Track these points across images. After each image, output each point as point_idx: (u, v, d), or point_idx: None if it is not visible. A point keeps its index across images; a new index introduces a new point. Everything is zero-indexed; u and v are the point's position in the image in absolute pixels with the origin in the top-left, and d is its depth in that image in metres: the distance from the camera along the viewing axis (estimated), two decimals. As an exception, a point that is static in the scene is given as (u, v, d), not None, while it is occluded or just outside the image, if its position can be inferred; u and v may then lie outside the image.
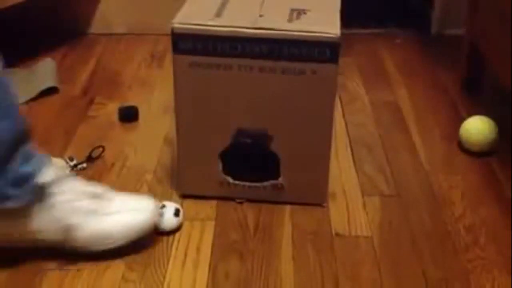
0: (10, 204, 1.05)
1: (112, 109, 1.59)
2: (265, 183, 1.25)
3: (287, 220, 1.22)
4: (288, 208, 1.25)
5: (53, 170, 1.08)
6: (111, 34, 2.02)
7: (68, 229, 1.07)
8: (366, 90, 1.71)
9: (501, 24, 1.43)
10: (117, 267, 1.10)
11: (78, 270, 1.09)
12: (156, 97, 1.65)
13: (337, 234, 1.18)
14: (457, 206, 1.26)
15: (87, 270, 1.09)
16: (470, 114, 1.47)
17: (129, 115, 1.55)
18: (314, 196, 1.25)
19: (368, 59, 1.89)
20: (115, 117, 1.56)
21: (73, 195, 1.08)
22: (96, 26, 2.04)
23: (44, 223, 1.07)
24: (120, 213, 1.10)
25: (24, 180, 1.05)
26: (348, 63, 1.82)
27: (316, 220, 1.22)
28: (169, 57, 1.71)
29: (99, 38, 2.00)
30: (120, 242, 1.10)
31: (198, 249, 1.14)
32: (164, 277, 1.08)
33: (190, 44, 1.14)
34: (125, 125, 1.54)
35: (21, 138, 1.06)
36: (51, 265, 1.10)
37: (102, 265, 1.10)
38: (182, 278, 1.08)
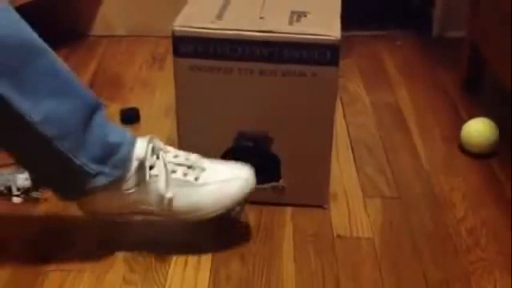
0: (100, 181, 1.04)
1: (113, 110, 1.59)
2: (266, 185, 1.25)
3: (288, 222, 1.22)
4: (289, 209, 1.25)
5: (145, 143, 1.07)
6: (112, 36, 2.02)
7: (166, 201, 1.07)
8: (366, 92, 1.71)
9: (502, 25, 1.43)
10: (118, 268, 1.10)
11: (79, 271, 1.09)
12: (158, 99, 1.66)
13: (338, 236, 1.19)
14: (458, 207, 1.26)
15: (88, 271, 1.09)
16: (470, 115, 1.48)
17: (130, 116, 1.56)
18: (315, 198, 1.26)
19: (369, 60, 1.89)
20: (116, 118, 1.56)
21: (168, 167, 1.07)
22: (97, 28, 2.04)
23: (143, 195, 1.07)
24: (213, 184, 1.10)
25: (108, 154, 1.04)
26: (349, 65, 1.83)
27: (317, 221, 1.22)
28: (170, 59, 1.70)
29: (100, 40, 2.01)
30: (212, 214, 1.10)
31: (199, 251, 1.14)
32: (165, 279, 1.08)
33: (191, 47, 1.14)
34: (126, 127, 1.53)
35: (89, 110, 1.03)
36: (52, 266, 1.10)
37: (104, 266, 1.10)
38: (184, 280, 1.08)
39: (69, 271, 1.09)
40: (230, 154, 1.22)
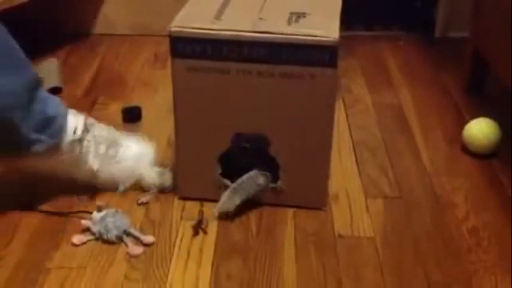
0: (35, 148, 1.16)
1: (115, 109, 1.59)
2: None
3: (289, 221, 1.22)
4: (290, 209, 1.25)
5: (76, 118, 1.21)
6: (114, 35, 2.02)
7: (93, 172, 1.23)
8: (369, 92, 1.71)
9: (503, 27, 1.43)
10: (120, 266, 1.10)
11: (80, 268, 1.09)
12: (159, 98, 1.66)
13: (339, 235, 1.18)
14: (460, 208, 1.26)
15: (90, 268, 1.09)
16: (473, 116, 1.47)
17: (132, 115, 1.55)
18: (314, 200, 1.25)
19: (371, 61, 1.89)
20: (118, 117, 1.56)
21: (95, 142, 1.22)
22: (100, 27, 2.04)
23: (73, 165, 1.21)
24: (128, 160, 1.26)
25: (45, 124, 1.16)
26: (351, 65, 1.82)
27: (318, 221, 1.22)
28: (172, 58, 1.71)
29: (102, 39, 2.01)
30: (128, 184, 1.26)
31: (200, 249, 1.14)
32: (166, 277, 1.08)
33: (189, 48, 1.13)
34: (128, 126, 1.54)
35: (34, 86, 1.15)
36: (54, 263, 1.10)
37: (105, 264, 1.10)
38: (185, 278, 1.08)
39: (70, 268, 1.09)
40: (228, 156, 1.22)
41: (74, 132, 1.19)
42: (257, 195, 1.24)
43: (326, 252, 1.14)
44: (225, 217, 1.21)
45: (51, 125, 1.17)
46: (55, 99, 1.21)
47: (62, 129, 1.18)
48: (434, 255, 1.14)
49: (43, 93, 1.18)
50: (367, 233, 1.19)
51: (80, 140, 1.20)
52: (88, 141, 1.21)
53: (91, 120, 1.25)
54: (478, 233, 1.19)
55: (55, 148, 1.18)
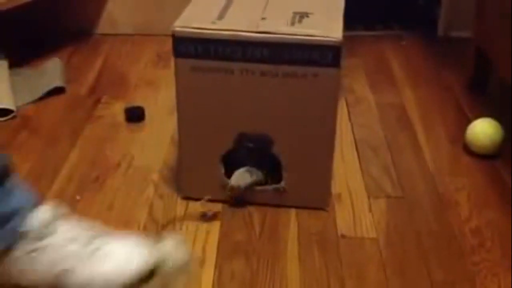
0: None
1: (118, 109, 1.60)
2: (267, 187, 1.24)
3: (292, 221, 1.22)
4: (293, 209, 1.25)
5: (43, 211, 0.99)
6: (117, 35, 2.02)
7: (59, 275, 0.96)
8: (372, 92, 1.71)
9: (505, 26, 1.43)
10: None
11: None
12: (163, 97, 1.66)
13: (342, 236, 1.19)
14: (463, 208, 1.26)
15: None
16: (476, 116, 1.47)
17: (135, 115, 1.56)
18: (317, 200, 1.25)
19: (374, 60, 1.89)
20: (121, 117, 1.56)
21: (65, 239, 0.97)
22: (103, 26, 2.04)
23: (31, 267, 0.97)
24: (113, 256, 0.97)
25: (4, 220, 0.96)
26: (354, 65, 1.82)
27: (321, 221, 1.22)
28: (175, 57, 1.71)
29: (105, 38, 2.01)
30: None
31: (203, 249, 1.14)
32: (170, 277, 1.08)
33: (192, 48, 1.13)
34: (131, 125, 1.54)
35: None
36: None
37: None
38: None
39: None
40: (231, 156, 1.22)
41: (37, 229, 0.97)
42: (260, 194, 1.24)
43: (329, 252, 1.14)
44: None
45: (12, 221, 0.96)
46: (24, 193, 1.00)
47: (15, 230, 0.96)
48: (437, 255, 1.14)
49: (9, 185, 0.99)
50: (370, 233, 1.19)
51: (42, 237, 0.97)
52: (54, 236, 0.97)
53: (63, 211, 1.01)
54: (481, 233, 1.19)
55: (11, 247, 0.96)
